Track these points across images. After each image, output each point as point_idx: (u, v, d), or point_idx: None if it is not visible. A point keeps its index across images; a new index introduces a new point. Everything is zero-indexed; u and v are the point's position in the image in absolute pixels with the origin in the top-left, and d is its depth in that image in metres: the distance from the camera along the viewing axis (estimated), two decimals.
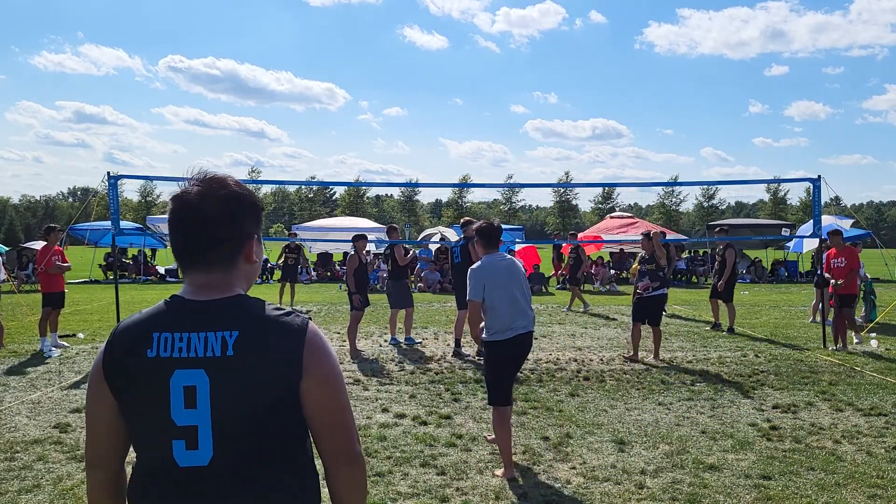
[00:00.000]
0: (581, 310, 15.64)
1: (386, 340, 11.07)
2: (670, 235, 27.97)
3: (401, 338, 11.01)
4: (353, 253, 10.19)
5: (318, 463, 1.65)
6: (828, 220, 20.07)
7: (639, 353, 9.62)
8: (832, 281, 10.47)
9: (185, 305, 1.58)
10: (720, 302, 12.66)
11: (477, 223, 6.01)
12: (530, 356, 9.74)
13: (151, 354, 1.53)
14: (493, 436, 5.36)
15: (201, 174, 1.62)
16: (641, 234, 10.31)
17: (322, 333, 1.62)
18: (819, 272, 10.91)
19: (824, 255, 10.99)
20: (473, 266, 5.33)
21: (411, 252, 11.56)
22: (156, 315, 1.59)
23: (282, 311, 1.59)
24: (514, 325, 5.16)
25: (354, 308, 10.04)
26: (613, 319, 14.22)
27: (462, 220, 10.63)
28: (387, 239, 12.72)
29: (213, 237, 1.57)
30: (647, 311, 9.61)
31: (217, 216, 1.57)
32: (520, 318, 5.19)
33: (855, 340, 10.23)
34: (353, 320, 10.07)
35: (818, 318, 11.66)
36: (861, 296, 12.25)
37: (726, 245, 12.65)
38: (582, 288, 16.65)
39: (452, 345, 10.14)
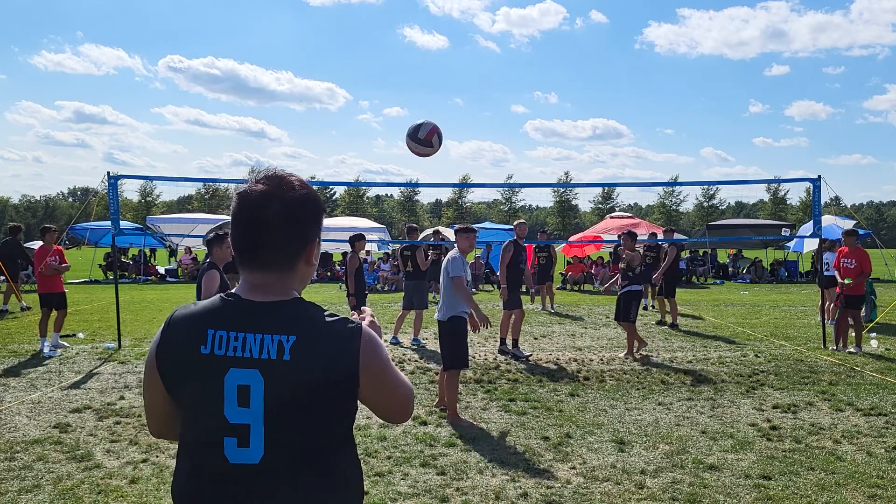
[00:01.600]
0: (541, 308, 16.04)
1: (386, 340, 11.07)
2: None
3: (403, 338, 11.01)
4: (352, 253, 10.15)
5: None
6: (828, 221, 20.08)
7: (639, 348, 9.81)
8: (840, 280, 10.40)
9: (242, 304, 1.58)
10: (666, 299, 13.22)
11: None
12: (530, 356, 9.74)
13: (205, 351, 1.54)
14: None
15: (269, 171, 1.60)
16: (620, 234, 10.56)
17: (375, 337, 1.62)
18: (820, 272, 10.92)
19: (833, 255, 11.04)
20: (456, 254, 6.64)
21: (431, 255, 11.59)
22: (212, 311, 1.58)
23: (336, 318, 1.59)
24: (465, 307, 6.54)
25: (355, 308, 10.02)
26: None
27: (516, 223, 10.63)
28: (389, 239, 12.79)
29: (273, 240, 1.56)
30: (618, 308, 9.83)
31: (280, 219, 1.55)
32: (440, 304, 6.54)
33: (852, 349, 10.08)
34: None
35: (828, 319, 11.67)
36: None
37: (671, 244, 13.34)
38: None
39: (504, 346, 9.99)
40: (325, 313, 1.59)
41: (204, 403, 1.55)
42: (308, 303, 1.62)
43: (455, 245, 6.90)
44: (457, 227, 7.27)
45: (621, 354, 9.78)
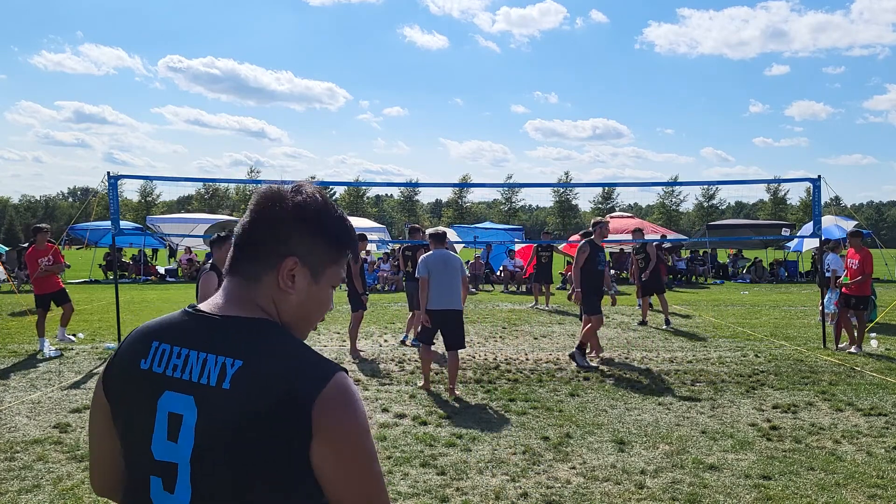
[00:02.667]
0: (532, 305, 16.43)
1: (386, 340, 11.07)
2: (671, 235, 28.00)
3: (401, 338, 11.01)
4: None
5: None
6: (829, 221, 20.07)
7: (592, 351, 9.64)
8: (843, 280, 10.38)
9: (198, 316, 1.32)
10: (647, 297, 13.40)
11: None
12: (530, 356, 9.76)
13: (144, 366, 1.30)
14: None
15: (297, 182, 1.41)
16: (581, 233, 10.42)
17: (353, 388, 1.25)
18: (820, 272, 10.93)
19: (834, 256, 11.05)
20: (424, 255, 7.59)
21: None
22: (166, 322, 1.36)
23: (309, 352, 1.27)
24: (439, 301, 7.32)
25: (362, 308, 9.99)
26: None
27: (596, 221, 9.74)
28: (389, 239, 12.84)
29: (255, 238, 1.34)
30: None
31: (271, 216, 1.33)
32: (444, 296, 7.33)
33: (852, 349, 10.06)
34: (355, 320, 10.04)
35: (828, 319, 11.66)
36: None
37: (644, 244, 13.47)
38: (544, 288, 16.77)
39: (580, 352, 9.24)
40: (299, 344, 1.29)
41: (135, 431, 1.29)
42: (281, 329, 1.32)
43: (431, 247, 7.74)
44: (434, 231, 7.91)
45: (591, 353, 9.67)
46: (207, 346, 1.26)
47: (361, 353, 9.78)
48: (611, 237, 23.66)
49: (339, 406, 1.21)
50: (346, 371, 1.26)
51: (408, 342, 10.78)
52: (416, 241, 11.62)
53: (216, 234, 6.53)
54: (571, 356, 9.20)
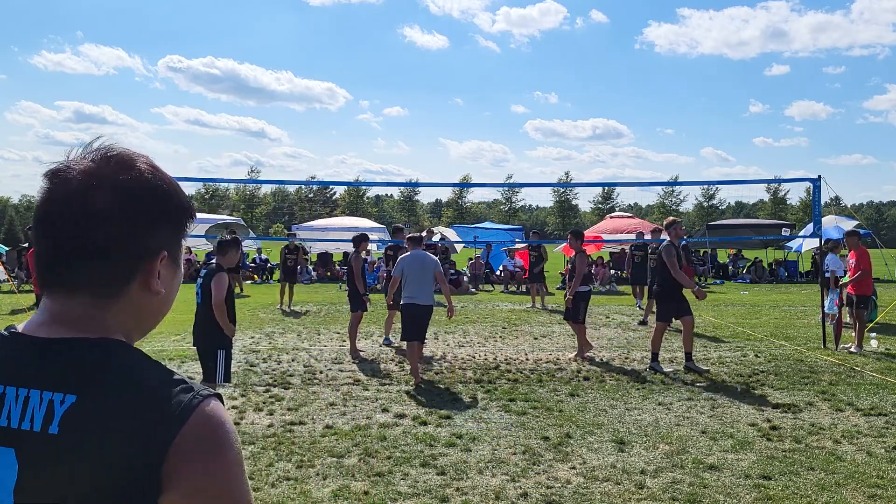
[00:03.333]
0: (530, 306, 16.51)
1: (379, 343, 11.07)
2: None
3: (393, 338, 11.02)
4: (355, 253, 10.14)
5: None
6: (830, 221, 20.07)
7: (586, 350, 9.58)
8: (842, 279, 10.39)
9: (18, 342, 0.99)
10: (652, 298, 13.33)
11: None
12: (530, 356, 9.76)
13: None
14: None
15: (104, 147, 1.04)
16: (569, 232, 10.35)
17: (221, 425, 0.96)
18: (821, 272, 10.95)
19: (834, 256, 11.09)
20: (402, 256, 8.27)
21: None
22: None
23: (168, 378, 0.97)
24: (411, 296, 7.96)
25: (362, 308, 9.98)
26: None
27: (671, 222, 9.40)
28: (389, 239, 12.87)
29: (92, 243, 0.97)
30: (567, 308, 9.78)
31: (106, 212, 0.97)
32: (415, 292, 7.96)
33: (853, 349, 10.06)
34: (354, 320, 10.04)
35: (829, 320, 11.67)
36: None
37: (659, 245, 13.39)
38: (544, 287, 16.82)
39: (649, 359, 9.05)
40: (153, 367, 0.98)
41: None
42: (130, 348, 1.00)
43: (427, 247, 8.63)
44: (411, 234, 8.67)
45: (571, 355, 9.68)
46: (30, 379, 0.95)
47: (361, 353, 9.77)
48: (611, 237, 23.69)
49: (203, 446, 0.93)
50: (218, 395, 0.99)
51: (394, 343, 10.79)
52: (398, 240, 11.67)
53: (228, 236, 6.56)
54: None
